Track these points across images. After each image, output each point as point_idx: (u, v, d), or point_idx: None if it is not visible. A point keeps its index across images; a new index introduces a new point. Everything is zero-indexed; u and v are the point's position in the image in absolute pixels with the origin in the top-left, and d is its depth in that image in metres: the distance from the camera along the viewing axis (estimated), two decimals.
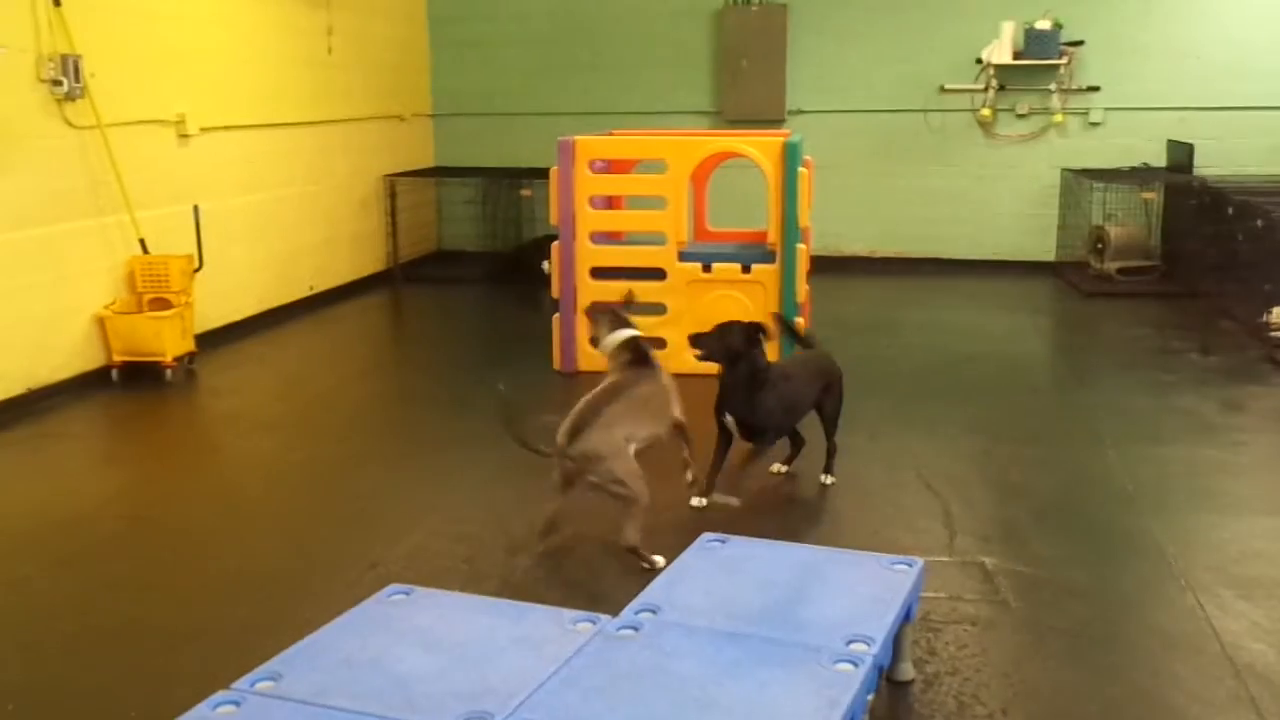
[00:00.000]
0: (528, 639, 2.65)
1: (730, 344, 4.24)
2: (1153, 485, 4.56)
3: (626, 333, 4.23)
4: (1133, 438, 5.14)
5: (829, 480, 4.61)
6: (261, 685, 2.45)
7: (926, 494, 4.50)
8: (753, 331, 4.26)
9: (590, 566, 3.89)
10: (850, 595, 2.87)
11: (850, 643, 2.61)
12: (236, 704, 2.37)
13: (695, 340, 4.29)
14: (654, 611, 2.79)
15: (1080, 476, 4.71)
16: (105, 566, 3.95)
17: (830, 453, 4.64)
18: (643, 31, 9.83)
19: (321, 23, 8.46)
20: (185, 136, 6.89)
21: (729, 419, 4.32)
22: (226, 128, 7.27)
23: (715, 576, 3.01)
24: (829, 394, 4.59)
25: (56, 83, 5.80)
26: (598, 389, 3.98)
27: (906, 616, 2.94)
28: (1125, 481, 4.60)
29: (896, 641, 2.97)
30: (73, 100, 5.92)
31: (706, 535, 3.28)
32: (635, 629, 2.70)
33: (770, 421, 4.34)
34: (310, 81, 8.30)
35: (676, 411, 4.13)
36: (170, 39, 6.74)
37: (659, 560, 3.71)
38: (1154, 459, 4.87)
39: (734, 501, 4.27)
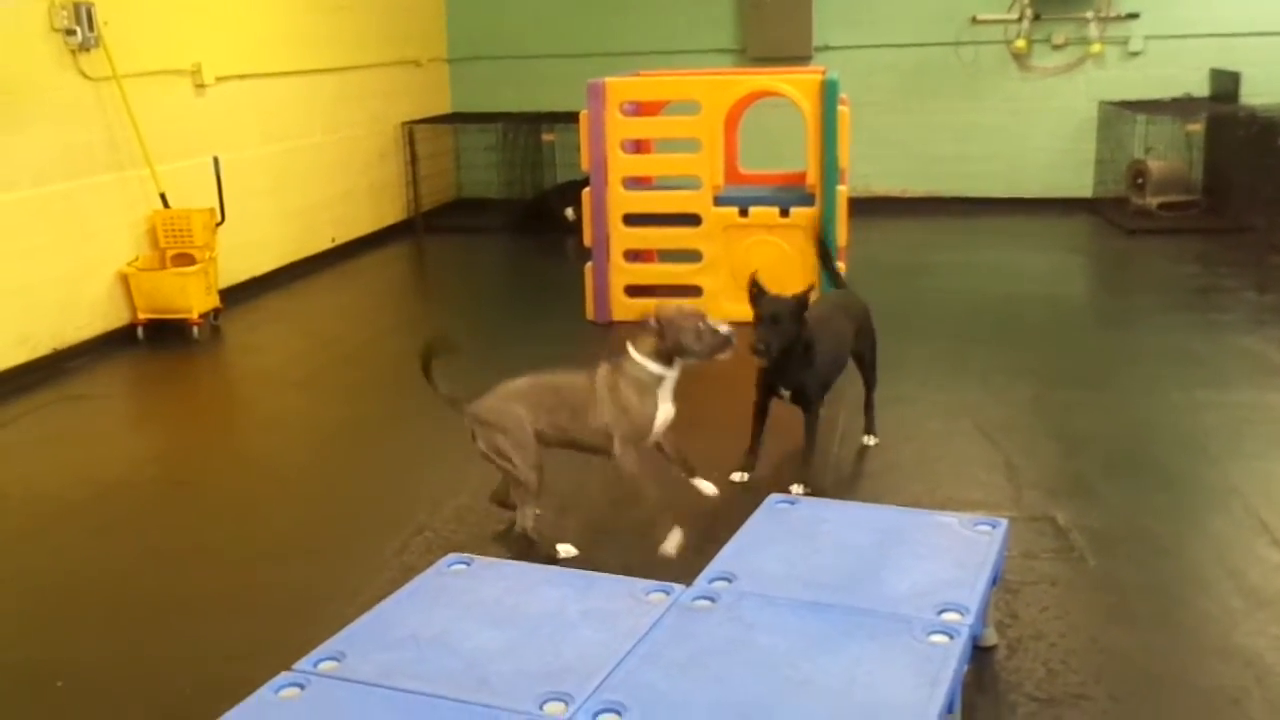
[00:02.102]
0: (600, 611, 2.51)
1: (787, 331, 3.80)
2: (1224, 431, 4.38)
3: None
4: (1194, 381, 4.96)
5: (871, 441, 4.32)
6: (325, 665, 2.33)
7: (986, 445, 4.34)
8: (801, 305, 3.84)
9: (643, 526, 3.75)
10: (935, 560, 2.72)
11: (942, 612, 2.46)
12: (300, 687, 2.25)
13: (759, 348, 3.79)
14: (729, 580, 2.65)
15: (1144, 423, 4.54)
16: (146, 534, 3.83)
17: (869, 407, 4.35)
18: None
19: None
20: (201, 86, 6.69)
21: (784, 392, 3.96)
22: (242, 76, 7.07)
23: (789, 541, 2.86)
24: (862, 337, 4.28)
25: (70, 32, 5.60)
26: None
27: (993, 581, 2.80)
28: (1193, 428, 4.43)
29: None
30: (87, 50, 5.72)
31: (775, 496, 3.14)
32: (712, 600, 2.56)
33: (822, 383, 4.05)
34: (325, 27, 8.05)
35: (616, 442, 3.50)
36: None
37: (567, 550, 3.51)
38: (1220, 404, 4.69)
39: (709, 489, 3.75)
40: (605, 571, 3.34)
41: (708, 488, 3.74)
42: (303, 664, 2.32)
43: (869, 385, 4.37)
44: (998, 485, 3.98)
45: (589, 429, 3.53)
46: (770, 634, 2.40)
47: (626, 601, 2.56)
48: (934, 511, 3.07)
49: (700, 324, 3.46)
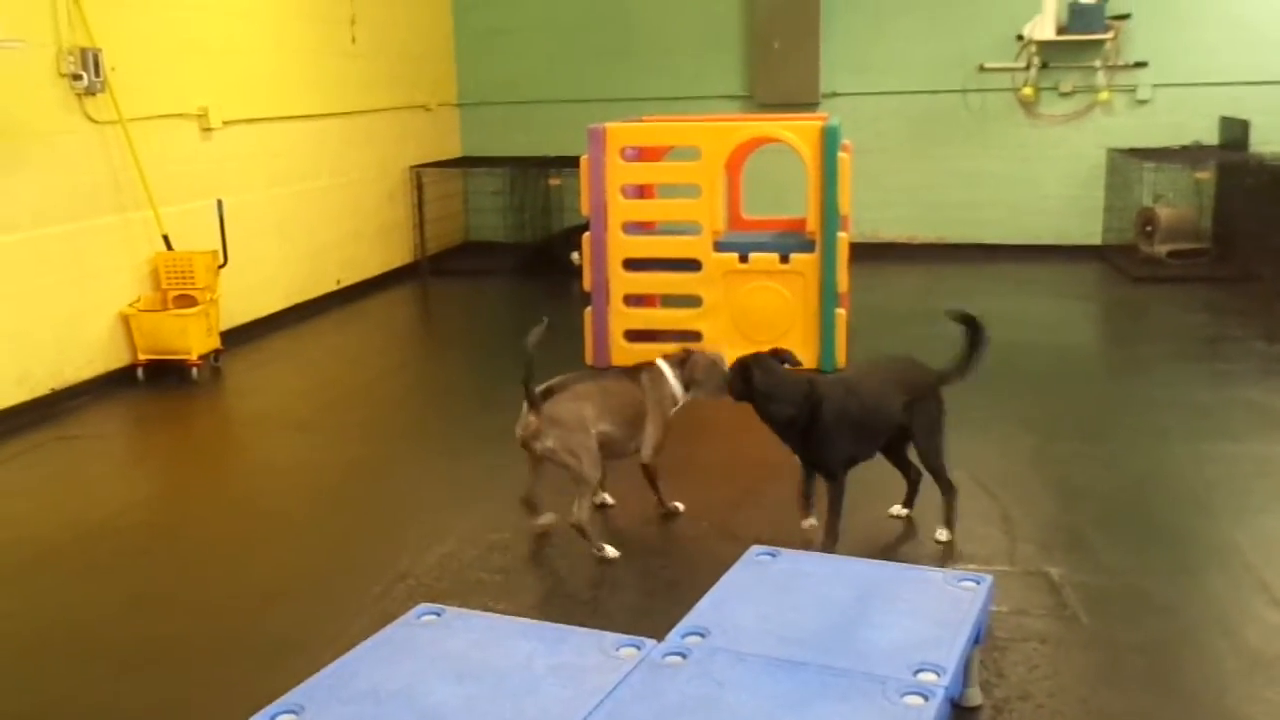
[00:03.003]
0: (567, 667, 2.46)
1: (746, 387, 3.64)
2: (1226, 486, 4.30)
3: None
4: (1199, 434, 4.88)
5: (944, 536, 3.82)
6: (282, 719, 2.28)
7: (982, 496, 4.26)
8: (761, 365, 3.63)
9: (632, 574, 3.69)
10: (915, 617, 2.66)
11: (918, 672, 2.40)
12: None
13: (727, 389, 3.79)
14: (702, 635, 2.59)
15: (1146, 476, 4.46)
16: (128, 578, 3.79)
17: (912, 484, 3.95)
18: (671, 14, 9.60)
19: (344, 12, 8.29)
20: (208, 130, 6.74)
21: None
22: (250, 120, 7.12)
23: (767, 595, 2.81)
24: (918, 412, 3.77)
25: (76, 77, 5.65)
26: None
27: (975, 639, 2.73)
28: (1195, 482, 4.35)
29: (964, 665, 2.75)
30: (93, 95, 5.77)
31: (756, 548, 3.08)
32: (683, 655, 2.50)
33: (834, 453, 3.69)
34: (334, 72, 8.13)
35: (648, 447, 3.98)
36: (192, 31, 6.58)
37: (609, 551, 3.76)
38: (1224, 457, 4.60)
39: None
40: (589, 619, 3.33)
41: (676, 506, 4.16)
42: (259, 718, 2.27)
43: (931, 471, 3.86)
44: (992, 538, 3.91)
45: (635, 439, 3.96)
46: (739, 693, 2.33)
47: (596, 657, 2.50)
48: (917, 566, 3.00)
49: (716, 361, 4.07)
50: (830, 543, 3.69)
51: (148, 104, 6.18)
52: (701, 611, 2.72)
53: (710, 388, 4.03)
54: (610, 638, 2.57)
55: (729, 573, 2.94)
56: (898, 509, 4.04)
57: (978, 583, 2.84)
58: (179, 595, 3.67)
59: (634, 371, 4.05)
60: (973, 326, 3.82)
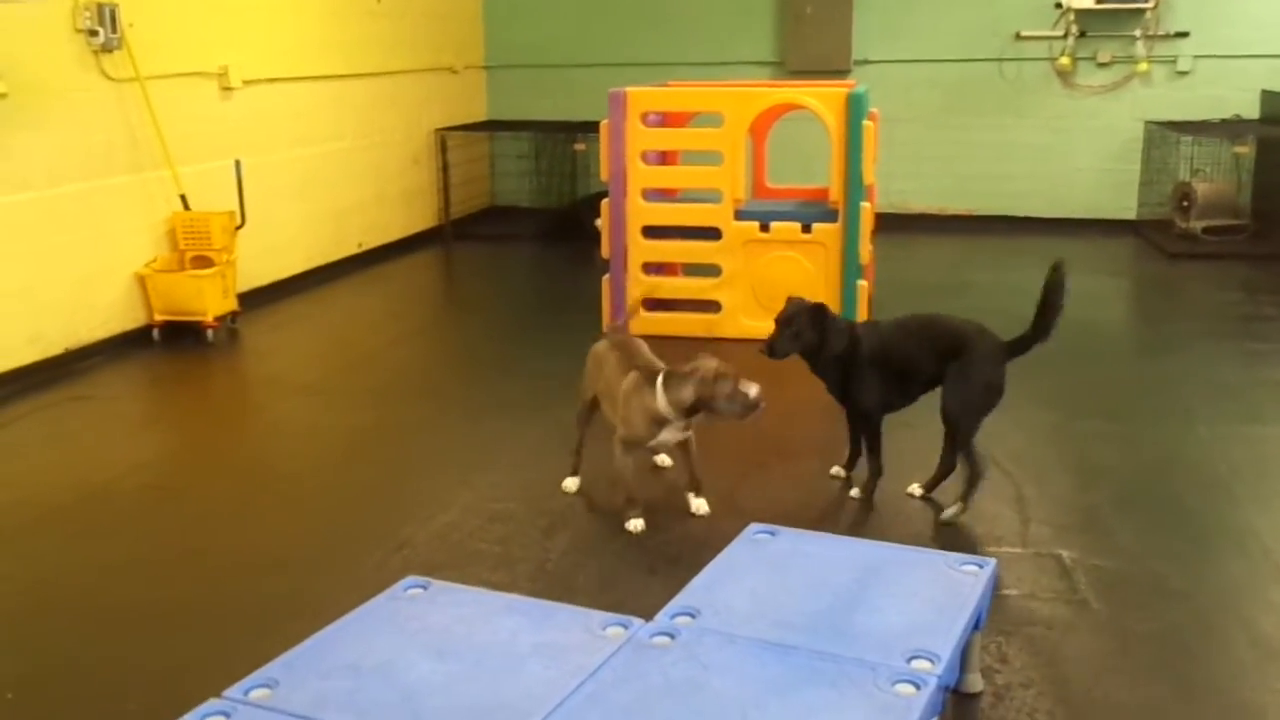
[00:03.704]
0: (552, 645, 2.40)
1: (803, 334, 3.80)
2: (1251, 470, 4.17)
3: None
4: (1226, 415, 4.74)
5: (949, 514, 3.77)
6: (256, 694, 2.23)
7: (997, 475, 4.15)
8: (819, 311, 3.82)
9: (631, 549, 3.63)
10: (913, 601, 2.58)
11: (912, 659, 2.32)
12: (226, 716, 2.16)
13: (764, 350, 3.83)
14: (693, 615, 2.53)
15: (1168, 458, 4.34)
16: (127, 541, 3.78)
17: (940, 477, 3.91)
18: None
19: None
20: (228, 89, 6.69)
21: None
22: (271, 80, 7.06)
23: (762, 575, 2.73)
24: (953, 374, 3.72)
25: (93, 33, 5.61)
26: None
27: (976, 624, 2.64)
28: (1219, 465, 4.22)
29: (964, 651, 2.67)
30: (110, 51, 5.73)
31: (754, 526, 3.01)
32: (671, 636, 2.44)
33: (868, 396, 3.87)
34: (358, 32, 8.04)
35: (616, 436, 3.80)
36: None
37: (636, 525, 3.74)
38: (1250, 439, 4.47)
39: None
40: (584, 594, 3.28)
41: (699, 507, 3.88)
42: (233, 691, 2.24)
43: (948, 440, 3.82)
44: (1005, 518, 3.81)
45: (606, 411, 3.89)
46: (725, 677, 2.27)
47: (581, 636, 2.44)
48: (919, 548, 2.92)
49: (732, 388, 3.52)
50: (870, 484, 3.96)
51: (166, 62, 6.13)
52: (693, 591, 2.65)
53: (731, 411, 3.56)
54: (597, 616, 2.51)
55: (725, 551, 2.87)
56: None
57: (980, 566, 2.75)
58: (178, 559, 3.65)
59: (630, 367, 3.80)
60: (1046, 304, 3.69)
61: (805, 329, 3.81)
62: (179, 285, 6.03)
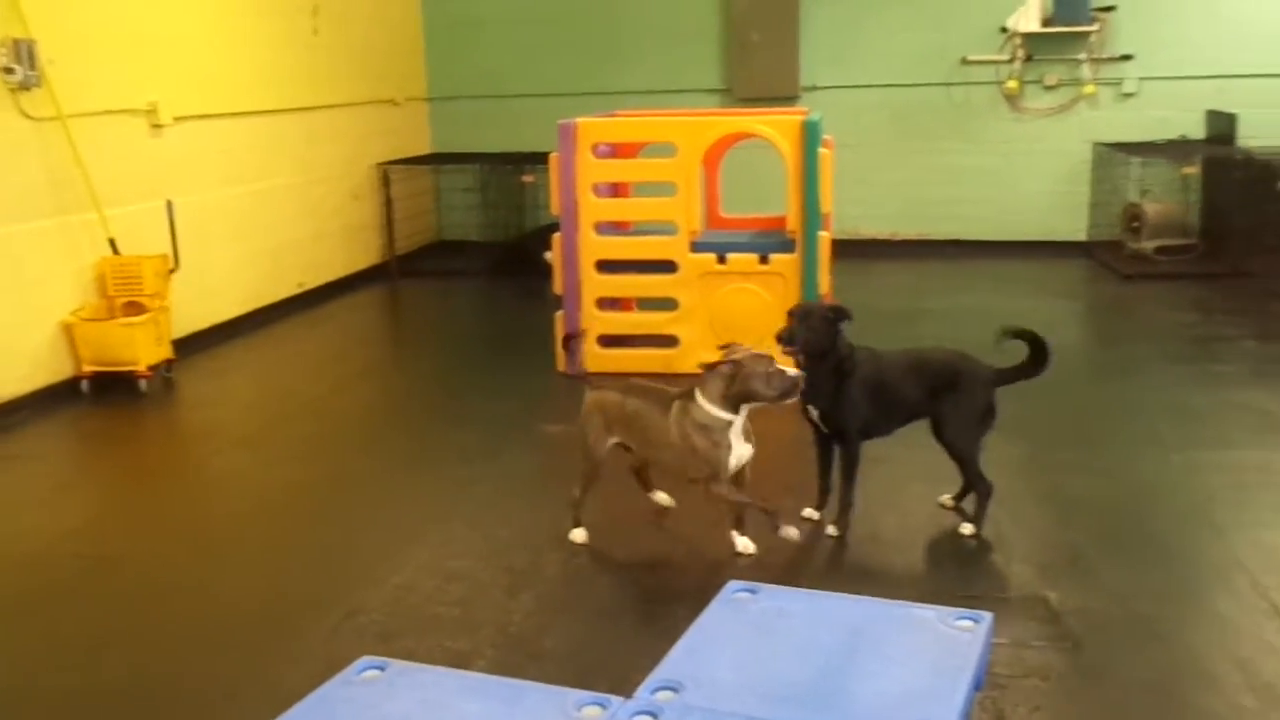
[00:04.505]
0: None
1: (817, 331, 3.77)
2: (1229, 498, 4.07)
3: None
4: (1196, 441, 4.66)
5: (969, 530, 3.82)
6: None
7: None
8: (835, 314, 3.81)
9: (601, 605, 3.43)
10: (909, 665, 2.40)
11: None
12: None
13: (783, 335, 3.78)
14: (675, 690, 2.33)
15: (1143, 487, 4.23)
16: (59, 615, 3.51)
17: (965, 490, 3.94)
18: (648, 5, 9.32)
19: (306, 1, 7.97)
20: (158, 126, 6.42)
21: (813, 412, 3.84)
22: (203, 116, 6.80)
23: (746, 640, 2.54)
24: (943, 402, 3.79)
25: (8, 70, 5.32)
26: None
27: (976, 685, 2.47)
28: (1196, 494, 4.12)
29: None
30: (28, 89, 5.44)
31: (734, 584, 2.81)
32: (653, 715, 2.23)
33: (853, 417, 3.81)
34: (295, 65, 7.81)
35: (693, 468, 3.64)
36: (139, 21, 6.25)
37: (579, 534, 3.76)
38: (1224, 466, 4.38)
39: (792, 533, 3.72)
40: (552, 660, 3.07)
41: (745, 546, 3.73)
42: None
43: (957, 464, 3.88)
44: (984, 559, 3.68)
45: (661, 459, 3.75)
46: None
47: (556, 719, 2.23)
48: (910, 604, 2.74)
49: (770, 368, 3.48)
50: (843, 519, 3.87)
51: (91, 99, 5.86)
52: (674, 661, 2.45)
53: (770, 393, 3.50)
54: (572, 696, 2.30)
55: (705, 613, 2.67)
56: (946, 498, 4.05)
57: (976, 621, 2.58)
58: (110, 635, 3.39)
59: (668, 401, 3.71)
60: (1037, 345, 3.89)
61: (819, 326, 3.76)
62: (109, 334, 5.73)
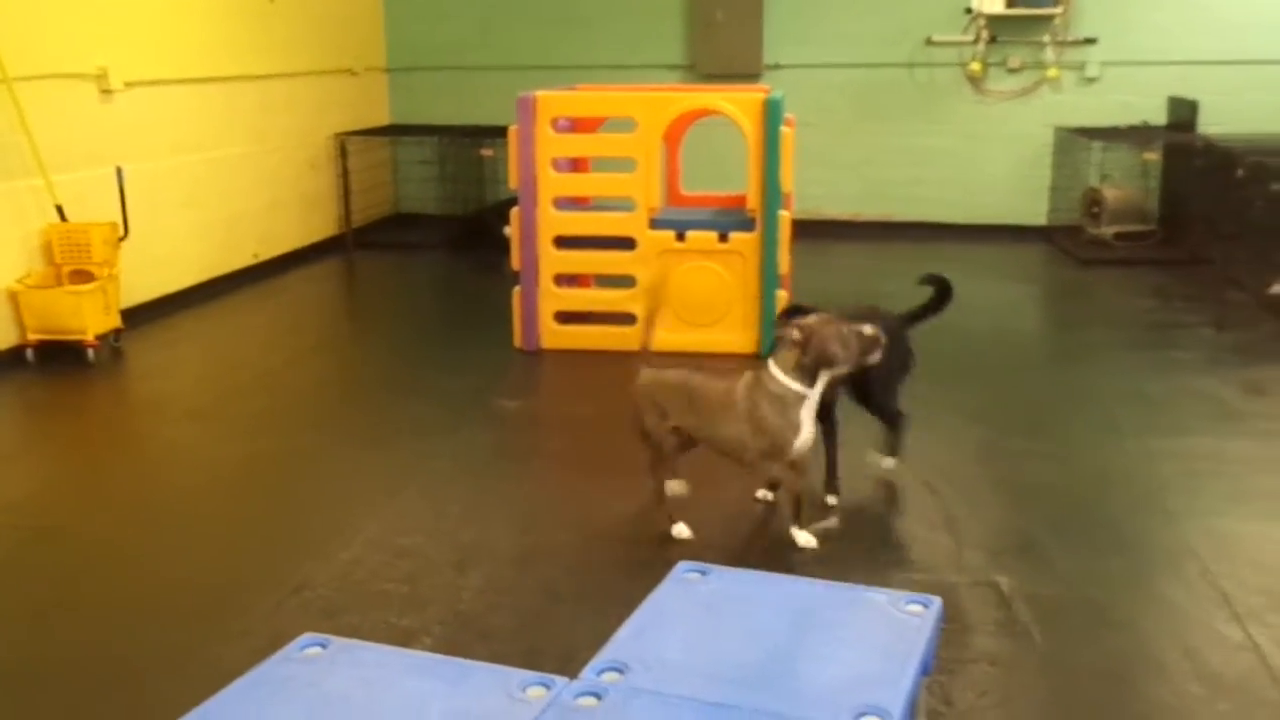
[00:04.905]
0: (465, 713, 2.15)
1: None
2: (1182, 485, 4.09)
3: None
4: (1151, 427, 4.68)
5: (890, 464, 4.12)
6: None
7: (926, 495, 4.03)
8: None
9: (550, 584, 3.39)
10: (857, 648, 2.38)
11: (861, 716, 2.12)
12: None
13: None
14: (621, 671, 2.29)
15: (1097, 474, 4.24)
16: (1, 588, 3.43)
17: (890, 422, 4.12)
18: None
19: None
20: (108, 92, 6.26)
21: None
22: (155, 82, 6.64)
23: (695, 621, 2.52)
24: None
25: None
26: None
27: (924, 669, 2.46)
28: (1149, 481, 4.14)
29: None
30: None
31: (684, 564, 2.78)
32: (598, 696, 2.20)
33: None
34: (250, 32, 7.65)
35: (754, 456, 3.48)
36: None
37: (680, 531, 3.63)
38: (1178, 453, 4.40)
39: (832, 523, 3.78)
40: (499, 639, 3.04)
41: (804, 539, 3.59)
42: None
43: (869, 401, 4.06)
44: (938, 544, 3.66)
45: (719, 437, 3.50)
46: None
47: (499, 700, 2.19)
48: (860, 587, 2.73)
49: (844, 329, 3.30)
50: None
51: (37, 62, 5.69)
52: (621, 642, 2.42)
53: (848, 356, 3.36)
54: (516, 676, 2.26)
55: (653, 594, 2.64)
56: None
57: (926, 605, 2.57)
58: (51, 609, 3.31)
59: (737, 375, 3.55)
60: (942, 286, 4.13)
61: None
62: (55, 301, 5.60)
